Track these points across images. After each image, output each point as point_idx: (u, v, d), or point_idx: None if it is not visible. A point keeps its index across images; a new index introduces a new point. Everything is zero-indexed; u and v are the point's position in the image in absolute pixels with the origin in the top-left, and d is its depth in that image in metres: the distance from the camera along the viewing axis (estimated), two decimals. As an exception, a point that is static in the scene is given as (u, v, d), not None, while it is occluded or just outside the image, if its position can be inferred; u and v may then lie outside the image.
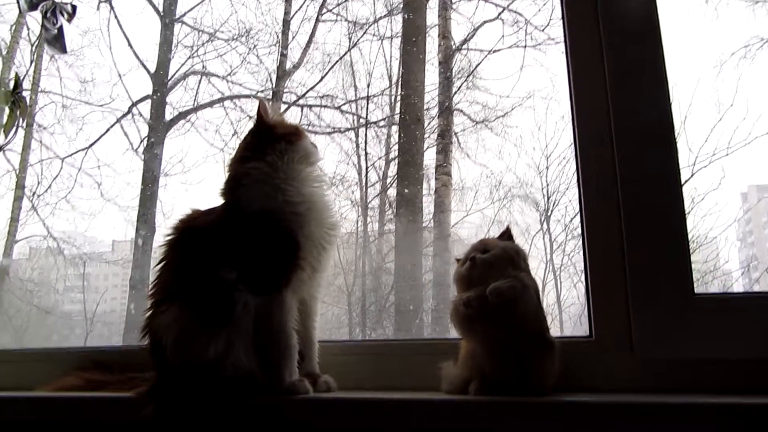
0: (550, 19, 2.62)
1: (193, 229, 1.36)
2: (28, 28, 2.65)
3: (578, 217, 1.45)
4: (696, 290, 1.30)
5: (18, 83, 2.02)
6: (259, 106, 1.43)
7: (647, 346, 1.28)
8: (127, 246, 3.01)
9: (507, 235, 1.33)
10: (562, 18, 1.55)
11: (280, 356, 1.25)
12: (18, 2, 2.04)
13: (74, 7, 2.06)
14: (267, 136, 1.40)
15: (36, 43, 2.32)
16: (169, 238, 1.37)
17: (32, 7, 2.00)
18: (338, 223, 1.41)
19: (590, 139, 1.42)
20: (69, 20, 2.07)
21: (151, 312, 1.32)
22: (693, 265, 1.31)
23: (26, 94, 2.07)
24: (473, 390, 1.18)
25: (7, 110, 1.98)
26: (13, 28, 2.70)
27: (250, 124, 1.46)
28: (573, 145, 1.46)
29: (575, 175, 1.45)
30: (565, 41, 1.52)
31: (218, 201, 1.39)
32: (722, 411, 1.06)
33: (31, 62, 2.32)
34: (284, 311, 1.26)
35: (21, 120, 2.02)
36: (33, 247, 3.07)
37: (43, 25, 2.02)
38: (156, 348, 1.27)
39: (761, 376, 1.22)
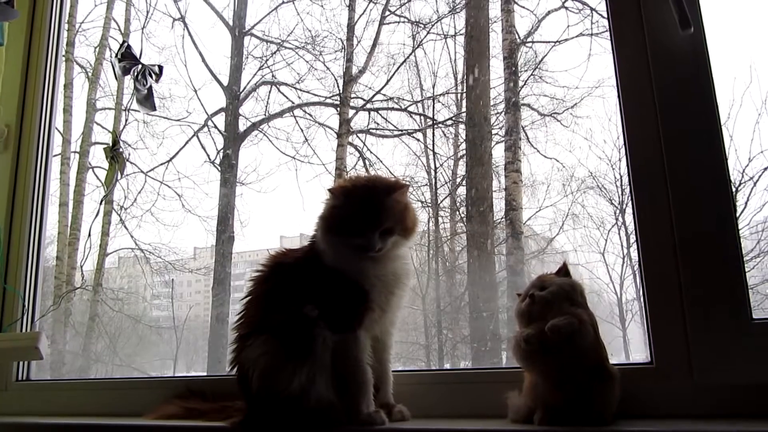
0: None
1: (281, 267, 1.44)
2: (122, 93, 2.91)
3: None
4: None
5: (116, 140, 2.16)
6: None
7: (706, 372, 1.29)
8: (208, 253, 3.12)
9: (564, 270, 1.34)
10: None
11: (357, 390, 1.31)
12: (114, 71, 2.20)
13: (161, 68, 2.21)
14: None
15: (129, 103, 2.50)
16: (257, 274, 1.45)
17: (126, 72, 2.15)
18: (407, 270, 1.45)
19: (643, 165, 1.43)
20: (156, 80, 2.20)
21: (237, 345, 1.40)
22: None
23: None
24: (537, 420, 1.22)
25: (107, 165, 2.13)
26: (115, 94, 3.12)
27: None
28: (627, 175, 1.47)
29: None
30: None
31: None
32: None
33: (126, 122, 2.49)
34: (359, 348, 1.33)
35: (119, 174, 2.15)
36: (121, 257, 3.23)
37: (135, 87, 2.15)
38: (244, 380, 1.35)
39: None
